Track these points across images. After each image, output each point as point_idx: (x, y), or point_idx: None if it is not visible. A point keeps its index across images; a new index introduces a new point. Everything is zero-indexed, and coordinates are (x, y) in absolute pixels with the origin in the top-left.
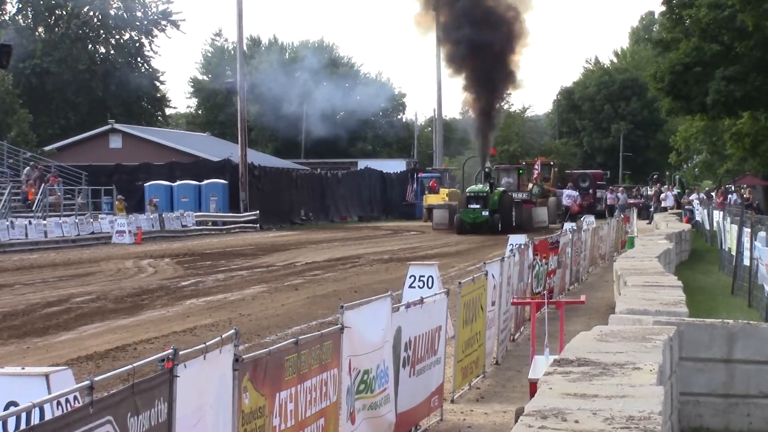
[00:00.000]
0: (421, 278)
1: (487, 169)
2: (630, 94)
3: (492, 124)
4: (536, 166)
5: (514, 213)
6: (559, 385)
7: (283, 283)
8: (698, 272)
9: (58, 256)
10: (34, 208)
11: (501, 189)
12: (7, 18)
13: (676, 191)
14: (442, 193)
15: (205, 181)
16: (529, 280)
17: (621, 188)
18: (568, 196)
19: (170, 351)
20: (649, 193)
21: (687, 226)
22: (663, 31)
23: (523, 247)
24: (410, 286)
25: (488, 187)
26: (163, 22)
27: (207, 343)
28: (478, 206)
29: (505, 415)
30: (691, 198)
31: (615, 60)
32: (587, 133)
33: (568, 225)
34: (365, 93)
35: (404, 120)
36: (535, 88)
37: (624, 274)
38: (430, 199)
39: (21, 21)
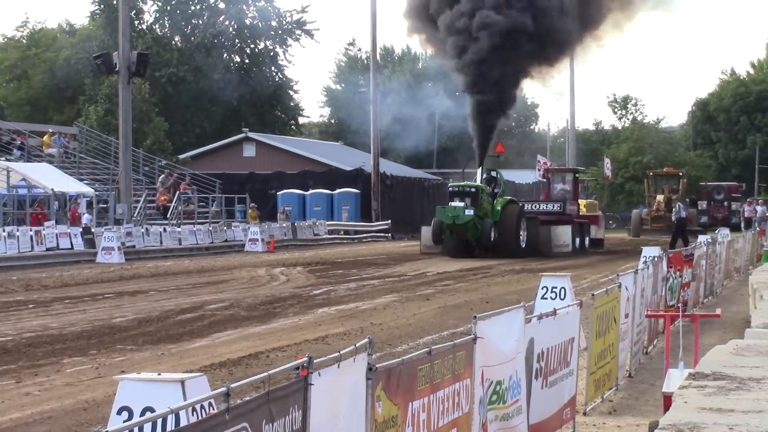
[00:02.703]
0: (554, 289)
1: (488, 173)
2: (767, 106)
3: (502, 102)
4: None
5: (524, 231)
6: (694, 399)
7: (415, 292)
8: None
9: (192, 264)
10: (168, 216)
11: (507, 198)
12: (144, 27)
13: None
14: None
15: (338, 190)
16: (663, 293)
17: (760, 200)
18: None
19: (305, 359)
20: None
21: None
22: None
23: (657, 259)
24: (542, 297)
25: (482, 184)
26: (298, 32)
27: (341, 352)
28: (461, 204)
29: (638, 428)
30: None
31: (751, 71)
32: (722, 144)
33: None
34: None
35: (537, 130)
36: (670, 100)
37: (760, 287)
38: None
39: (158, 30)
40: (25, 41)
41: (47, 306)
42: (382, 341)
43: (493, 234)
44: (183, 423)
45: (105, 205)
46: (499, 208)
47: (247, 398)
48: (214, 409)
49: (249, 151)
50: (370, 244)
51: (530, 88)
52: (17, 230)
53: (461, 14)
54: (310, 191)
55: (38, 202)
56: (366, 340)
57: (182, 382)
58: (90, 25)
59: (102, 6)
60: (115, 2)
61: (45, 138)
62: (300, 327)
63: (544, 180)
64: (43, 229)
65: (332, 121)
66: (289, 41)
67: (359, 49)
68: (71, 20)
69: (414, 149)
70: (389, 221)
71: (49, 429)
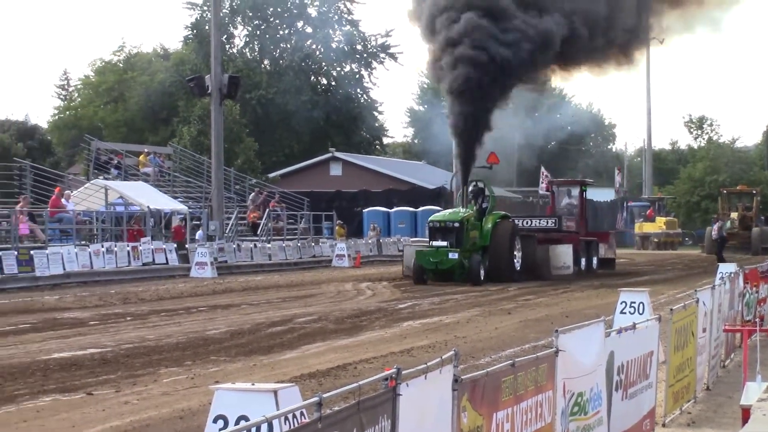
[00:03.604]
0: (632, 304)
1: (475, 186)
2: None
3: (486, 109)
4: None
5: (519, 251)
6: None
7: (497, 307)
8: None
9: (281, 278)
10: (259, 233)
11: (499, 213)
12: (235, 51)
13: None
14: (659, 222)
15: (421, 208)
16: (740, 308)
17: None
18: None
19: (393, 370)
20: None
21: None
22: None
23: (733, 275)
24: (621, 312)
25: (465, 213)
26: (382, 55)
27: (428, 364)
28: (444, 244)
29: None
30: None
31: None
32: None
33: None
34: (576, 124)
35: (614, 150)
36: (745, 120)
37: None
38: (646, 227)
39: (248, 54)
40: (121, 65)
41: (144, 318)
42: (466, 354)
43: (482, 271)
44: None
45: (198, 222)
46: (489, 226)
47: (339, 408)
48: (305, 419)
49: (336, 170)
50: None
51: (607, 108)
52: (115, 246)
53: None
54: (395, 209)
55: (135, 219)
56: (452, 352)
57: (275, 392)
58: (183, 49)
59: (195, 31)
60: (207, 27)
61: (141, 158)
62: (386, 339)
63: (548, 193)
64: (140, 245)
65: (415, 141)
66: (374, 64)
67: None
68: (165, 45)
69: (495, 169)
70: None
71: None
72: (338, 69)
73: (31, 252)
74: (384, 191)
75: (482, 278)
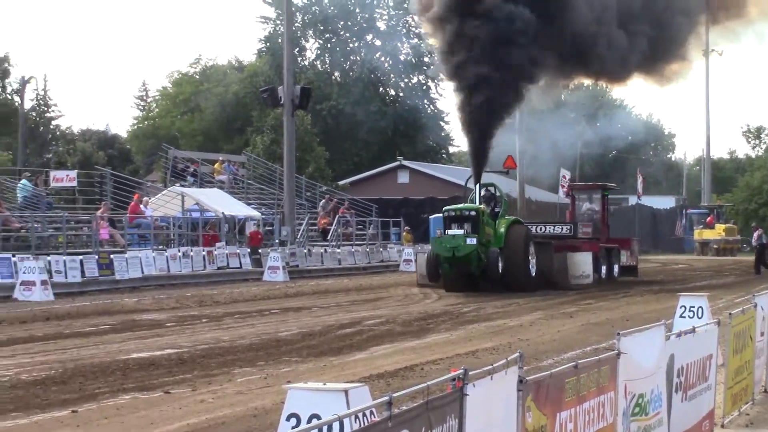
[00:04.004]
0: (691, 308)
1: (486, 190)
2: None
3: (500, 107)
4: None
5: (533, 257)
6: None
7: (558, 310)
8: None
9: (351, 282)
10: (329, 238)
11: (511, 218)
12: (306, 63)
13: None
14: (719, 229)
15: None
16: None
17: None
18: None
19: (461, 371)
20: None
21: None
22: None
23: None
24: (681, 316)
25: (482, 206)
26: None
27: (494, 365)
28: (460, 232)
29: None
30: None
31: None
32: None
33: None
34: (636, 133)
35: (674, 159)
36: None
37: None
38: (706, 234)
39: (319, 66)
40: (197, 77)
41: (219, 320)
42: (529, 356)
43: (500, 264)
44: (347, 430)
45: (270, 228)
46: (502, 230)
47: (408, 407)
48: (375, 417)
49: (403, 177)
50: None
51: (667, 119)
52: (191, 251)
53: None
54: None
55: (210, 225)
56: (517, 354)
57: (346, 391)
58: (257, 62)
59: (268, 44)
60: (280, 41)
61: (216, 165)
62: (451, 342)
63: (568, 198)
64: (215, 250)
65: None
66: (441, 75)
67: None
68: (240, 57)
69: (555, 177)
70: None
71: None
72: (405, 81)
73: (111, 256)
74: (450, 198)
75: (501, 271)
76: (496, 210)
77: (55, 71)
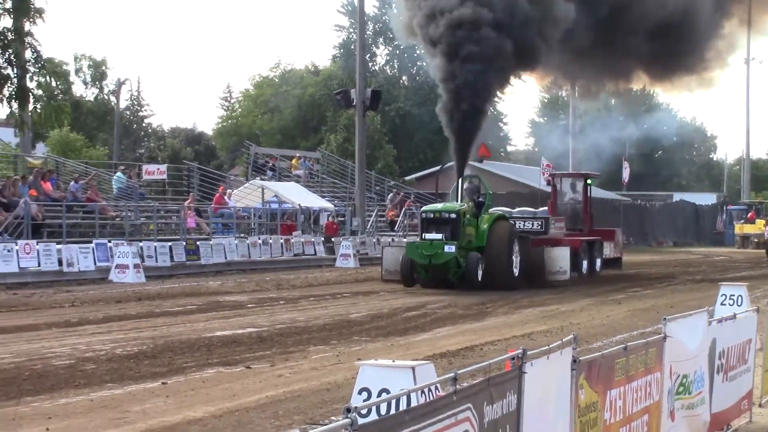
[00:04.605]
0: (732, 297)
1: (470, 182)
2: None
3: (483, 99)
4: None
5: (517, 255)
6: None
7: (607, 297)
8: None
9: None
10: (396, 228)
11: (495, 213)
12: (377, 68)
13: None
14: (759, 224)
15: (540, 209)
16: None
17: None
18: None
19: (520, 351)
20: None
21: None
22: None
23: None
24: (722, 304)
25: (462, 207)
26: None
27: (550, 346)
28: (438, 237)
29: None
30: None
31: None
32: None
33: None
34: (680, 134)
35: (715, 159)
36: None
37: None
38: (746, 228)
39: (388, 71)
40: (277, 80)
41: (295, 302)
42: (581, 338)
43: (480, 271)
44: (414, 403)
45: (342, 219)
46: (485, 227)
47: (468, 383)
48: (439, 392)
49: None
50: None
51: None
52: (270, 239)
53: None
54: (516, 209)
55: (287, 215)
56: (571, 336)
57: (413, 368)
58: (331, 66)
59: (342, 50)
60: (353, 47)
61: (293, 161)
62: (508, 324)
63: (549, 187)
64: (292, 238)
65: (535, 149)
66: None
67: (560, 87)
68: (316, 62)
69: (606, 174)
70: None
71: (298, 405)
72: None
73: (198, 243)
74: (507, 194)
75: (479, 279)
76: (480, 200)
77: (148, 74)
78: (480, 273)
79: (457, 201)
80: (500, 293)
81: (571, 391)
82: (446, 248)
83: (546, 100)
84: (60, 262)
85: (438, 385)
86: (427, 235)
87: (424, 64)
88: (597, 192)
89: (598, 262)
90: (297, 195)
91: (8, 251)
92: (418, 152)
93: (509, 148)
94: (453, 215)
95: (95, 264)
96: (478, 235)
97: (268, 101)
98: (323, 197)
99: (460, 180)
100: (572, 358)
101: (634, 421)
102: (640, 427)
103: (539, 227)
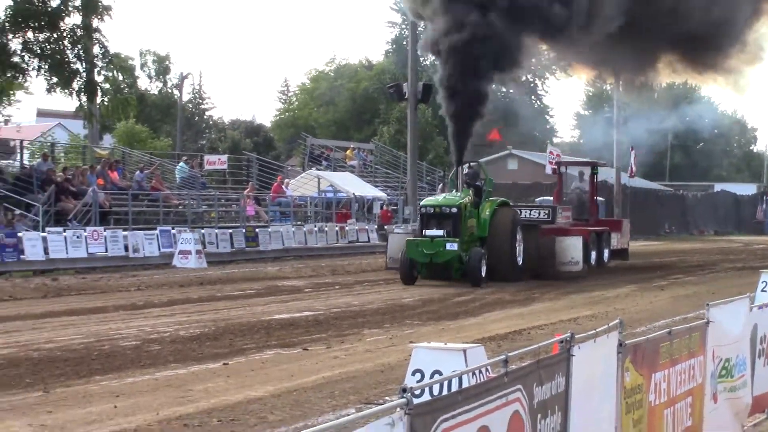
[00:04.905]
0: None
1: (469, 167)
2: None
3: (481, 81)
4: None
5: (520, 243)
6: None
7: (651, 284)
8: None
9: None
10: None
11: (497, 200)
12: (428, 63)
13: None
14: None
15: (539, 198)
16: None
17: None
18: None
19: (568, 335)
20: None
21: None
22: None
23: None
24: (762, 290)
25: (462, 199)
26: (553, 67)
27: (597, 330)
28: (440, 233)
29: None
30: None
31: None
32: None
33: None
34: (721, 126)
35: (755, 150)
36: None
37: None
38: None
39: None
40: (332, 74)
41: (350, 287)
42: (625, 323)
43: (484, 267)
44: (465, 384)
45: (395, 207)
46: (487, 214)
47: (520, 365)
48: (490, 374)
49: (512, 165)
50: None
51: (749, 114)
52: (326, 226)
53: None
54: (538, 198)
55: (342, 204)
56: (617, 320)
57: (464, 351)
58: (384, 61)
59: (394, 46)
60: (405, 43)
61: (348, 152)
62: (555, 309)
63: (555, 175)
64: (346, 226)
65: (581, 141)
66: (546, 75)
67: (605, 82)
68: (369, 57)
69: (650, 165)
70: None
71: (353, 385)
72: (515, 79)
73: (257, 230)
74: (554, 183)
75: (483, 275)
76: (479, 185)
77: (209, 69)
78: (484, 269)
79: (456, 190)
80: (547, 282)
81: (617, 373)
82: (448, 246)
83: (590, 94)
84: (126, 248)
85: (488, 367)
86: (427, 231)
87: None
88: (639, 182)
89: (606, 252)
90: (351, 184)
91: (77, 237)
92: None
93: (555, 140)
94: (454, 209)
95: (159, 250)
96: (480, 224)
97: (324, 95)
98: (376, 187)
99: (458, 167)
100: (618, 341)
101: (678, 403)
102: (683, 408)
103: (546, 216)
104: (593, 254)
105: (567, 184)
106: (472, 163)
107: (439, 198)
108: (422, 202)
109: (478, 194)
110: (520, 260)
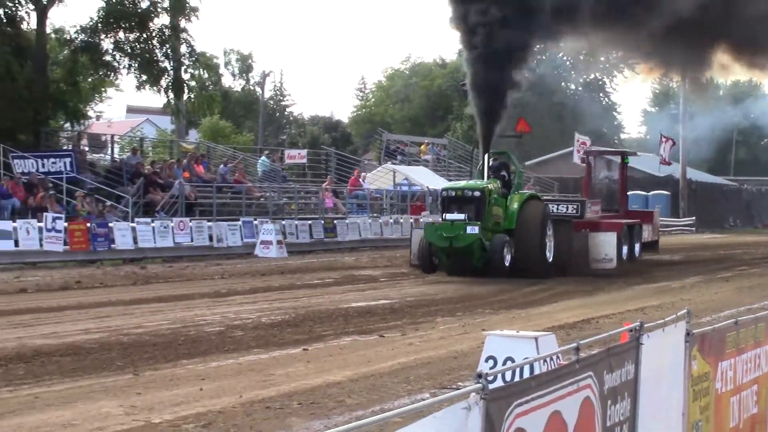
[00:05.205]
0: None
1: (494, 159)
2: None
3: (510, 67)
4: None
5: (551, 239)
6: None
7: (716, 275)
8: None
9: None
10: None
11: (527, 193)
12: None
13: None
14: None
15: (652, 192)
16: None
17: None
18: None
19: (637, 323)
20: None
21: None
22: None
23: None
24: None
25: (488, 184)
26: (621, 65)
27: (665, 319)
28: (461, 216)
29: None
30: None
31: None
32: None
33: None
34: None
35: None
36: None
37: None
38: None
39: None
40: (407, 72)
41: (423, 277)
42: (691, 313)
43: (508, 256)
44: (536, 371)
45: None
46: (515, 206)
47: (590, 353)
48: (560, 361)
49: (578, 159)
50: (677, 235)
51: None
52: (401, 218)
53: None
54: (629, 192)
55: (417, 197)
56: (685, 310)
57: (536, 338)
58: (458, 59)
59: None
60: None
61: (422, 147)
62: (622, 299)
63: (584, 165)
64: (420, 218)
65: (647, 137)
66: (615, 73)
67: (671, 80)
68: (443, 56)
69: (713, 160)
70: (693, 218)
71: (428, 371)
72: (584, 77)
73: (335, 221)
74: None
75: (507, 265)
76: (510, 178)
77: (290, 67)
78: (508, 258)
79: (483, 179)
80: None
81: (684, 361)
82: (468, 229)
83: (657, 91)
84: (210, 238)
85: (559, 354)
86: (448, 215)
87: (543, 57)
88: (704, 176)
89: (637, 247)
90: (425, 178)
91: (164, 228)
92: (537, 139)
93: (622, 136)
94: (477, 193)
95: (242, 240)
96: (507, 216)
97: (399, 92)
98: (449, 180)
99: (485, 156)
100: (686, 331)
101: (744, 391)
102: (749, 396)
103: (574, 211)
104: (625, 249)
105: (596, 174)
106: (500, 155)
107: (461, 183)
108: (444, 186)
109: (506, 186)
110: (550, 256)
